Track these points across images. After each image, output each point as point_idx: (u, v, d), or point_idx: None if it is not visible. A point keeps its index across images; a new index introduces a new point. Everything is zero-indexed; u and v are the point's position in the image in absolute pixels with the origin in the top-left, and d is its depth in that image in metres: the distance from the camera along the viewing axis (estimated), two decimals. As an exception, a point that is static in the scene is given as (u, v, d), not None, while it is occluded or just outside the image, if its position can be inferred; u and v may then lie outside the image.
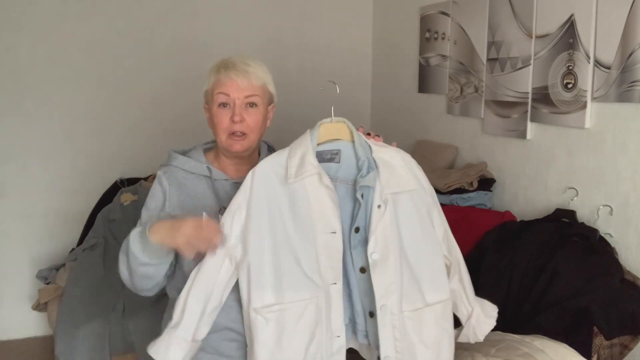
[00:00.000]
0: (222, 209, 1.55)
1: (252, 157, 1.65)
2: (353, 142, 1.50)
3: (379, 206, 1.44)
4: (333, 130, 1.51)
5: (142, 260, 1.44)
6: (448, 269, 1.56)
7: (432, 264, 1.50)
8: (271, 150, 1.73)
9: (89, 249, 3.02)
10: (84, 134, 3.39)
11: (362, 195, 1.45)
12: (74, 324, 2.53)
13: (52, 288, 2.88)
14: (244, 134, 1.57)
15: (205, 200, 1.57)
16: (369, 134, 1.54)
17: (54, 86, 3.30)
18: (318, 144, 1.49)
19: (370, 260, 1.43)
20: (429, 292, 1.49)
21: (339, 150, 1.50)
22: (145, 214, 1.60)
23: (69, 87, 3.33)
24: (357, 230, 1.47)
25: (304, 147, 1.45)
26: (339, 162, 1.50)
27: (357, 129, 1.52)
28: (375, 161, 1.46)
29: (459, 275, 1.57)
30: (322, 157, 1.48)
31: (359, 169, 1.47)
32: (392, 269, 1.44)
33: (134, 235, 1.46)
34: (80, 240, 3.21)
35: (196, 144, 1.70)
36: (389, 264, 1.44)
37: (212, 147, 1.70)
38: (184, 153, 1.65)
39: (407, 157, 1.52)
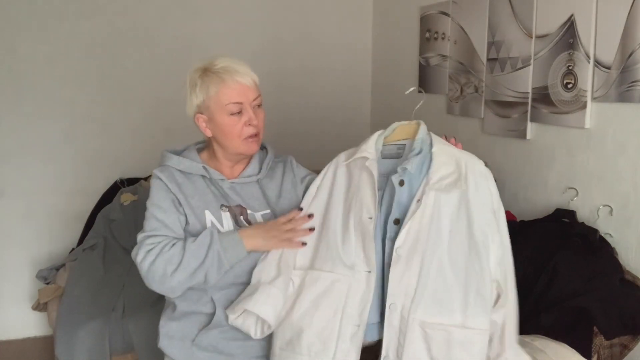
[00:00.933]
0: (222, 206, 1.56)
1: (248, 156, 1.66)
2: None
3: (418, 200, 1.40)
4: (407, 130, 1.56)
5: (226, 267, 1.47)
6: (497, 298, 1.42)
7: (472, 283, 1.38)
8: (262, 147, 1.74)
9: (89, 249, 3.02)
10: (84, 134, 3.39)
11: (400, 182, 1.44)
12: (74, 324, 2.53)
13: (52, 288, 2.87)
14: (257, 134, 1.59)
15: (205, 196, 1.57)
16: (454, 138, 1.58)
17: (54, 86, 3.30)
18: (386, 144, 1.54)
19: (394, 255, 1.39)
20: (460, 312, 1.37)
21: (404, 145, 1.54)
22: (158, 212, 1.54)
23: (69, 87, 3.33)
24: (396, 221, 1.43)
25: (369, 138, 1.53)
26: (402, 157, 1.53)
27: (449, 140, 1.54)
28: (431, 155, 1.45)
29: (504, 310, 1.42)
30: (389, 153, 1.54)
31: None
32: (413, 270, 1.38)
33: (223, 241, 1.47)
34: (80, 240, 3.22)
35: (188, 144, 1.69)
36: (412, 263, 1.38)
37: (204, 147, 1.69)
38: (176, 153, 1.64)
39: (477, 165, 1.48)
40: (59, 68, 3.30)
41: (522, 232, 2.26)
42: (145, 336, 2.43)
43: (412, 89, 1.70)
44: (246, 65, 1.58)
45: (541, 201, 2.44)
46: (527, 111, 2.45)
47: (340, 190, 1.51)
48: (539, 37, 2.37)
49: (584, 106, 2.15)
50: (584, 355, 1.74)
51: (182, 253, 1.45)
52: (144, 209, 1.58)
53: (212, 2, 3.55)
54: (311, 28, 3.77)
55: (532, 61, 2.41)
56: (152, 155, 3.32)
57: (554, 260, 2.03)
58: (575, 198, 2.23)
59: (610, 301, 1.88)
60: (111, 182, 3.39)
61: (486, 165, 2.71)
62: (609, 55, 2.03)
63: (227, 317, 1.51)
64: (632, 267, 2.01)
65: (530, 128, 2.47)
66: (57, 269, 3.07)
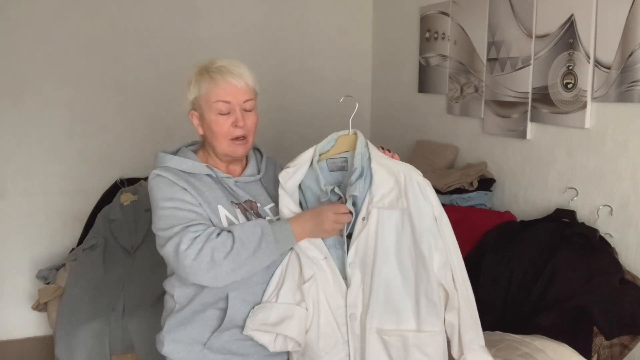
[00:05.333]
0: (232, 203, 1.56)
1: (242, 157, 1.66)
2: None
3: (363, 218, 1.47)
4: (347, 142, 1.58)
5: (274, 256, 1.48)
6: (445, 299, 1.49)
7: (421, 289, 1.46)
8: (256, 150, 1.76)
9: (89, 249, 3.02)
10: (84, 134, 3.39)
11: (353, 204, 1.48)
12: (74, 324, 2.53)
13: (52, 288, 2.88)
14: (244, 137, 1.58)
15: (215, 192, 1.56)
16: (388, 150, 1.56)
17: (54, 86, 3.30)
18: (331, 157, 1.58)
19: (347, 270, 1.48)
20: (414, 317, 1.46)
21: (346, 158, 1.57)
22: (181, 204, 1.49)
23: (69, 87, 3.32)
24: (349, 235, 1.51)
25: (299, 166, 1.58)
26: (346, 170, 1.56)
27: (385, 152, 1.55)
28: (371, 171, 1.48)
29: (458, 310, 1.47)
30: (334, 166, 1.57)
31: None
32: (366, 282, 1.47)
33: (276, 233, 1.47)
34: (80, 240, 3.22)
35: (179, 146, 1.67)
36: (364, 276, 1.48)
37: (198, 148, 1.68)
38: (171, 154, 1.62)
39: (414, 176, 1.48)
40: (59, 68, 3.29)
41: (522, 232, 2.26)
42: (145, 336, 2.43)
43: (344, 97, 1.74)
44: (245, 68, 1.58)
45: (541, 201, 2.44)
46: (527, 111, 2.45)
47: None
48: (539, 37, 2.37)
49: (584, 106, 2.15)
50: (584, 355, 1.74)
51: (231, 243, 1.43)
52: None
53: (212, 2, 3.54)
54: (311, 28, 3.77)
55: (532, 61, 2.41)
56: (152, 155, 3.34)
57: (554, 260, 2.04)
58: (575, 198, 2.23)
59: (610, 301, 1.88)
60: (111, 182, 3.39)
61: (487, 166, 2.73)
62: (609, 55, 2.03)
63: (239, 317, 1.51)
64: (632, 267, 2.01)
65: (530, 128, 2.47)
66: (57, 269, 3.07)
